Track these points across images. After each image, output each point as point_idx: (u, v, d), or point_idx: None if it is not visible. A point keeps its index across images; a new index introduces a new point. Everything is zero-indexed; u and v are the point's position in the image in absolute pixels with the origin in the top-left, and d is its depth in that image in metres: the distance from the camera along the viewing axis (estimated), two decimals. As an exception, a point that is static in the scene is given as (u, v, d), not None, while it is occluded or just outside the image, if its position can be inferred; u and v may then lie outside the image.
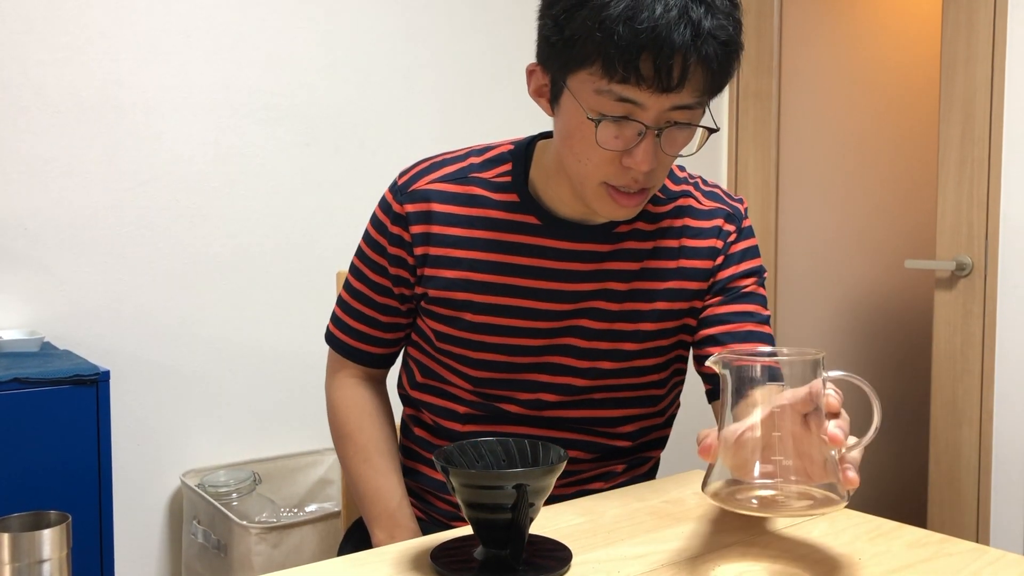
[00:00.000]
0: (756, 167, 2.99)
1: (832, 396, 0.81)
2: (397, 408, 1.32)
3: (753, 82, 2.99)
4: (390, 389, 1.33)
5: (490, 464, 0.90)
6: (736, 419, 0.81)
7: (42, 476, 1.57)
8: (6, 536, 0.64)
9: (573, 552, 0.89)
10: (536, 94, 1.10)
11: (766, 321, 1.19)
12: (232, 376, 2.20)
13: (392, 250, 1.19)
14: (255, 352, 2.24)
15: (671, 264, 1.17)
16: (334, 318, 1.27)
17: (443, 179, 1.18)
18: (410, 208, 1.17)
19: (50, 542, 0.65)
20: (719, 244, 1.19)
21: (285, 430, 2.27)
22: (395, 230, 1.18)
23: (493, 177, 1.17)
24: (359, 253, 1.24)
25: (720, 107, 3.09)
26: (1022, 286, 2.28)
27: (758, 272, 1.21)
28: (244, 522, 1.88)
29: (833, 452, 0.79)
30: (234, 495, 2.05)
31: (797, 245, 3.01)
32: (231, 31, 2.17)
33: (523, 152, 1.18)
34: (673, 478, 1.17)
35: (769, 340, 1.18)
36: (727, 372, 0.80)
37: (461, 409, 1.21)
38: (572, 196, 1.13)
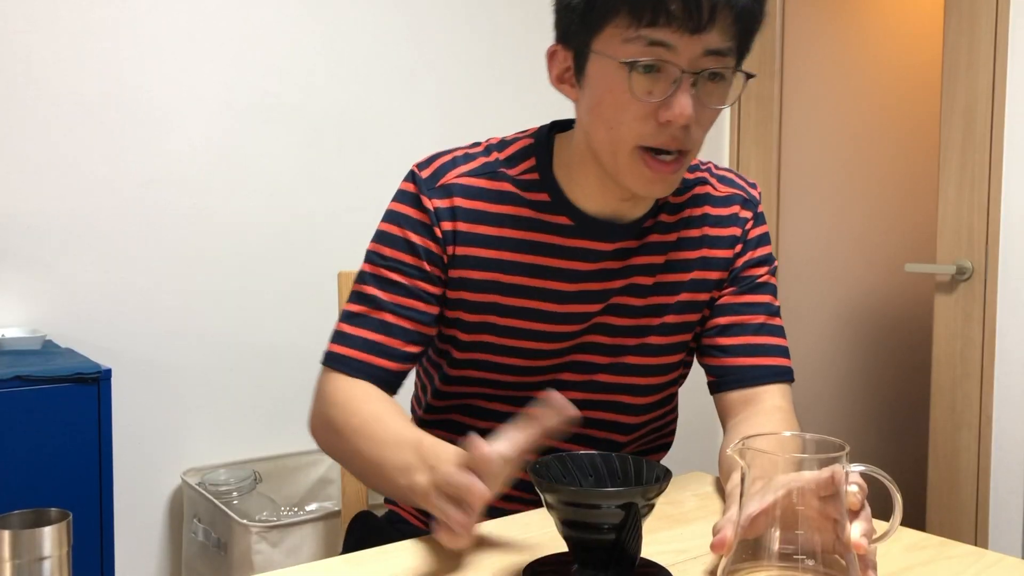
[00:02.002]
0: (757, 170, 2.99)
1: (854, 493, 0.77)
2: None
3: (755, 85, 2.99)
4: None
5: (577, 479, 0.84)
6: (752, 499, 0.76)
7: (43, 473, 1.58)
8: (6, 533, 0.64)
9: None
10: (558, 80, 1.07)
11: (777, 312, 1.18)
12: (233, 375, 2.21)
13: (429, 246, 1.10)
14: (257, 351, 2.24)
15: (694, 254, 1.15)
16: (339, 337, 1.11)
17: (471, 174, 1.11)
18: (439, 204, 1.10)
19: (50, 539, 0.65)
20: (738, 232, 1.16)
21: (286, 429, 2.27)
22: (428, 224, 1.10)
23: (520, 174, 1.12)
24: (377, 259, 1.11)
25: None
26: (1022, 290, 2.28)
27: (770, 261, 1.19)
28: (244, 521, 1.88)
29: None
30: (234, 494, 2.05)
31: (798, 248, 3.01)
32: (234, 32, 2.17)
33: (545, 145, 1.13)
34: (674, 479, 1.17)
35: (779, 333, 1.17)
36: (745, 463, 0.76)
37: (482, 423, 1.15)
38: (599, 187, 1.08)
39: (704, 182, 1.18)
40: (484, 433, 1.09)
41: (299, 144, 2.28)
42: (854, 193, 3.07)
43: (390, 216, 1.13)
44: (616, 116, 0.99)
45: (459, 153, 1.14)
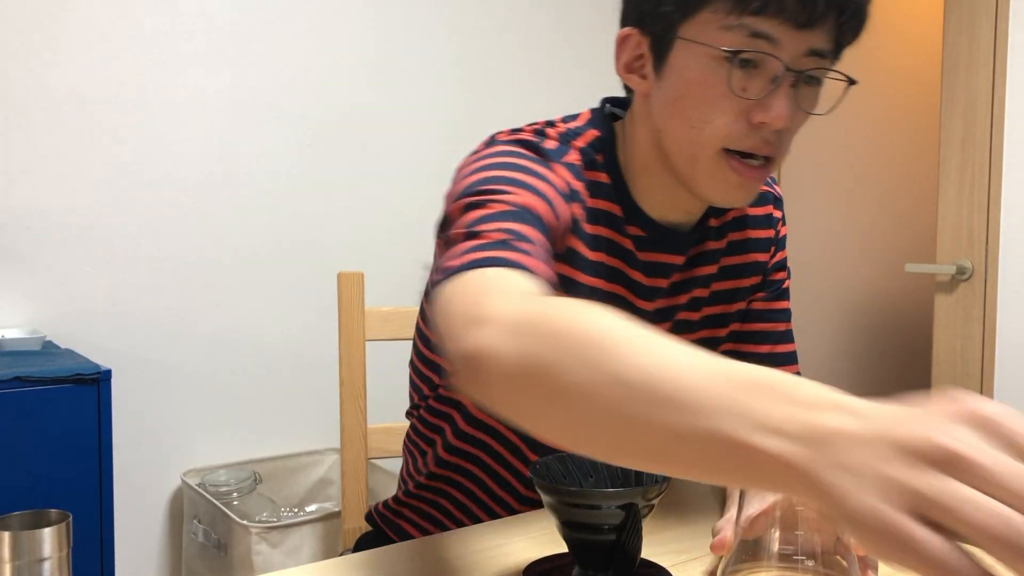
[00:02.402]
0: (757, 170, 2.99)
1: None
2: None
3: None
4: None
5: (577, 480, 0.82)
6: (752, 500, 0.74)
7: (43, 474, 1.58)
8: (6, 534, 0.64)
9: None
10: (626, 69, 0.95)
11: (791, 319, 1.15)
12: (233, 376, 2.21)
13: (561, 208, 0.90)
14: (256, 352, 2.24)
15: (745, 259, 1.08)
16: (472, 248, 0.76)
17: (579, 155, 0.97)
18: (568, 178, 0.94)
19: (50, 541, 0.65)
20: (772, 234, 1.11)
21: (286, 430, 2.27)
22: (564, 191, 0.92)
23: (593, 179, 0.98)
24: (490, 181, 0.85)
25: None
26: (1022, 290, 2.28)
27: (786, 263, 1.15)
28: (244, 521, 1.88)
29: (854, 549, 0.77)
30: (234, 494, 2.05)
31: (798, 248, 3.01)
32: (234, 32, 2.17)
33: (611, 141, 0.99)
34: (673, 480, 1.17)
35: (793, 339, 1.15)
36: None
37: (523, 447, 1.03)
38: (666, 192, 0.97)
39: None
40: (515, 480, 0.97)
41: (299, 145, 2.28)
42: (854, 193, 3.07)
43: (496, 163, 0.88)
44: (703, 113, 0.88)
45: (562, 128, 0.99)
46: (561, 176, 0.92)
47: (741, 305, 1.09)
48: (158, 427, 2.12)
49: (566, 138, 0.97)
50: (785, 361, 1.14)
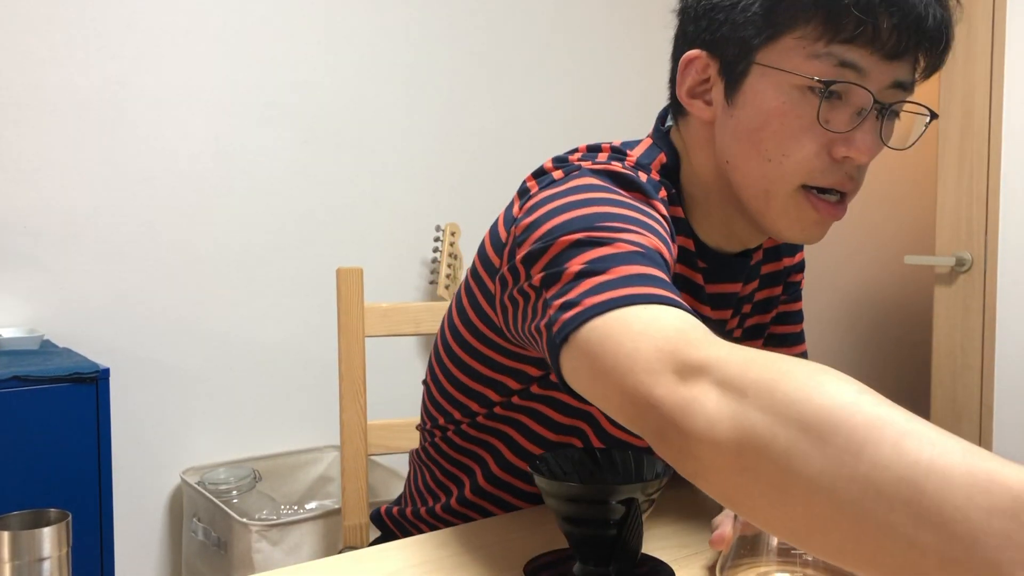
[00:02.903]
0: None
1: None
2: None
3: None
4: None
5: (578, 475, 0.82)
6: None
7: (42, 474, 1.57)
8: (5, 534, 0.64)
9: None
10: (689, 94, 0.89)
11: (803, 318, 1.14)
12: (232, 374, 2.20)
13: (670, 230, 0.84)
14: (255, 349, 2.24)
15: (776, 266, 1.05)
16: (615, 284, 0.66)
17: (664, 189, 0.90)
18: (664, 214, 0.84)
19: (50, 540, 0.65)
20: (801, 258, 1.10)
21: (285, 427, 2.27)
22: (668, 228, 0.83)
23: (675, 208, 0.92)
24: (605, 203, 0.76)
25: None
26: (1021, 282, 2.28)
27: (804, 265, 1.12)
28: (244, 519, 1.88)
29: None
30: (234, 492, 2.05)
31: (797, 241, 3.00)
32: (231, 30, 2.17)
33: (676, 171, 0.93)
34: (674, 475, 1.16)
35: (803, 340, 1.14)
36: None
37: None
38: (724, 223, 0.92)
39: None
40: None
41: (298, 143, 2.27)
42: (852, 186, 3.07)
43: (599, 199, 0.77)
44: (783, 146, 0.82)
45: (637, 153, 0.92)
46: (662, 214, 0.83)
47: (774, 313, 1.06)
48: (157, 425, 2.12)
49: (642, 168, 0.90)
50: None
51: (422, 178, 2.45)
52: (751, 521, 0.51)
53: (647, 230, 0.74)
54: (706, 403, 0.51)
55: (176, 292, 2.12)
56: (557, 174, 0.86)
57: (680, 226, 0.91)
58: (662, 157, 0.92)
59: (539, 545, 0.91)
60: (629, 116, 2.84)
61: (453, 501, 1.05)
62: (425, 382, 1.07)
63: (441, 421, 1.03)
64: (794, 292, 1.10)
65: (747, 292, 1.00)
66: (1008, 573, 0.40)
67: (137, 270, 2.07)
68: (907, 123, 0.95)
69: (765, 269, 1.03)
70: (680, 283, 0.92)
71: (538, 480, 0.77)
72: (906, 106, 0.87)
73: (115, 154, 2.04)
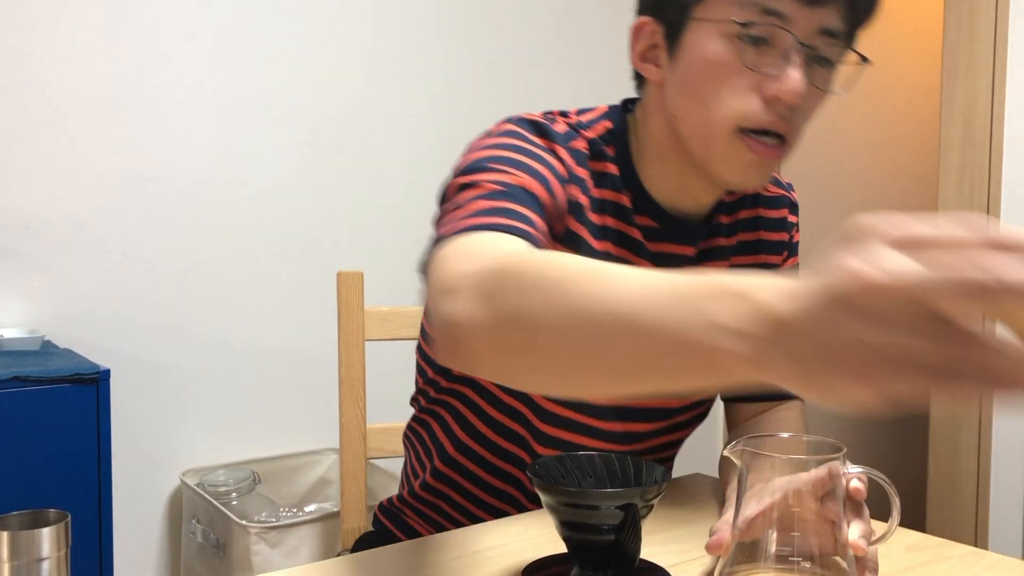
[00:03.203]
0: (757, 170, 2.99)
1: (858, 485, 0.76)
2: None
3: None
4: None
5: (576, 480, 0.82)
6: (750, 501, 0.74)
7: (41, 474, 1.57)
8: (5, 534, 0.64)
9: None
10: (641, 58, 0.96)
11: None
12: (232, 375, 2.21)
13: (558, 191, 0.91)
14: (255, 351, 2.24)
15: (754, 259, 1.08)
16: (463, 217, 0.79)
17: (588, 144, 0.98)
18: (570, 164, 0.94)
19: (49, 540, 0.65)
20: (786, 237, 1.11)
21: (285, 430, 2.27)
22: (563, 176, 0.92)
23: (600, 170, 0.99)
24: (489, 160, 0.88)
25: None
26: (1022, 290, 2.28)
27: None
28: (243, 522, 1.88)
29: (850, 549, 0.77)
30: (233, 494, 2.05)
31: (799, 248, 3.00)
32: (233, 31, 2.17)
33: (623, 134, 0.99)
34: (674, 481, 1.17)
35: None
36: (743, 464, 0.75)
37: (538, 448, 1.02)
38: (679, 181, 0.98)
39: None
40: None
41: (298, 144, 2.28)
42: (854, 192, 3.07)
43: (500, 144, 0.91)
44: (716, 91, 0.88)
45: (574, 119, 1.00)
46: (564, 160, 0.93)
47: None
48: (157, 427, 2.12)
49: (577, 127, 0.98)
50: None
51: (423, 182, 2.45)
52: (519, 387, 0.64)
53: (522, 170, 0.86)
54: (464, 311, 0.62)
55: (177, 294, 2.13)
56: (492, 126, 0.99)
57: (611, 181, 0.97)
58: (607, 123, 0.99)
59: (538, 550, 0.91)
60: (631, 122, 2.84)
61: (428, 476, 1.09)
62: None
63: (420, 383, 1.11)
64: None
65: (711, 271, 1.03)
66: (704, 342, 0.47)
67: (138, 272, 2.08)
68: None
69: (739, 259, 1.06)
70: (614, 237, 0.98)
71: (537, 485, 0.77)
72: (845, 58, 0.92)
73: (117, 155, 2.04)
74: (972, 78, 2.33)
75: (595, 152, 0.98)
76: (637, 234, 0.98)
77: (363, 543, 1.20)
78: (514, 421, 1.02)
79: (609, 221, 0.98)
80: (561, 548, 0.84)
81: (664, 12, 0.92)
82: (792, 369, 0.44)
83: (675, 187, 0.98)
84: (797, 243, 1.14)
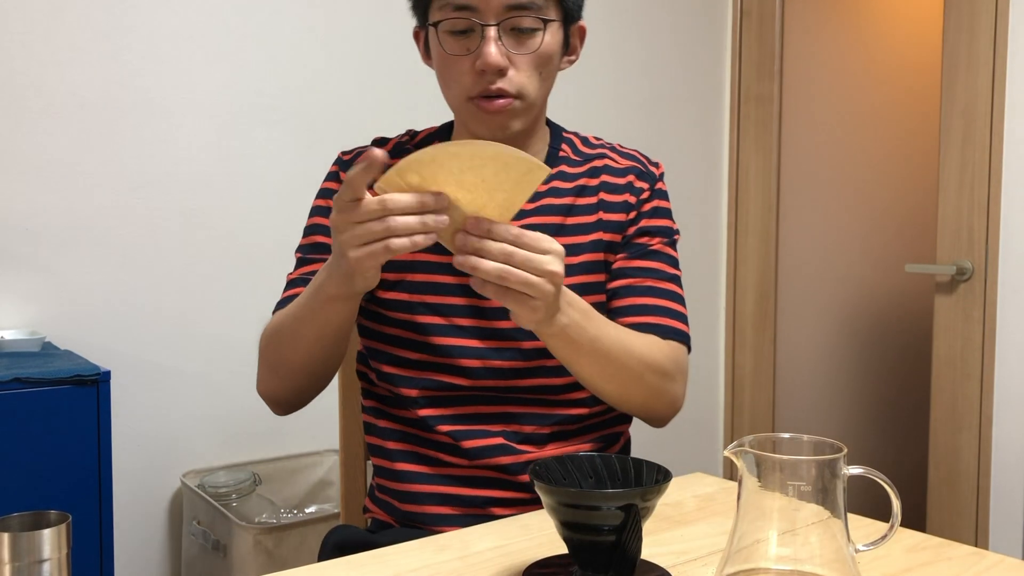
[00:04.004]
0: (757, 171, 2.99)
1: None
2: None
3: (755, 86, 2.99)
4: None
5: (577, 481, 0.83)
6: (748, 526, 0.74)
7: (42, 476, 1.57)
8: (6, 536, 0.64)
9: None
10: (424, 60, 1.22)
11: (671, 279, 1.21)
12: (232, 377, 2.20)
13: None
14: (256, 353, 2.24)
15: (591, 218, 1.21)
16: (282, 300, 1.32)
17: (412, 137, 1.30)
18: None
19: (50, 542, 0.65)
20: (632, 199, 1.22)
21: (285, 431, 2.27)
22: None
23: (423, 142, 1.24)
24: (314, 229, 1.28)
25: (721, 111, 3.09)
26: (1022, 291, 2.28)
27: (667, 232, 1.23)
28: (244, 523, 1.88)
29: (851, 550, 0.76)
30: (234, 496, 2.05)
31: (798, 249, 3.00)
32: (234, 33, 2.17)
33: (448, 126, 1.28)
34: (673, 481, 1.17)
35: (674, 298, 1.19)
36: (742, 464, 0.75)
37: (413, 392, 1.20)
38: (468, 137, 1.18)
39: (604, 156, 1.26)
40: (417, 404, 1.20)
41: (298, 145, 2.28)
42: (854, 194, 3.07)
43: (318, 196, 1.29)
44: (447, 75, 1.15)
45: (378, 138, 1.31)
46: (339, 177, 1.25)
47: (587, 257, 1.19)
48: (157, 428, 2.12)
49: (411, 135, 1.33)
50: (651, 312, 1.18)
51: (424, 183, 2.45)
52: (287, 387, 1.33)
53: (320, 251, 1.29)
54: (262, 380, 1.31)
55: (178, 295, 2.13)
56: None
57: (425, 142, 1.26)
58: (435, 127, 1.33)
59: (538, 551, 0.91)
60: (631, 116, 2.84)
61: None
62: None
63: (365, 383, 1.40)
64: (637, 250, 1.21)
65: (538, 222, 1.18)
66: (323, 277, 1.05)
67: (139, 272, 2.08)
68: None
69: (572, 219, 1.20)
70: None
71: (537, 486, 0.78)
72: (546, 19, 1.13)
73: (117, 156, 2.04)
74: (972, 78, 2.33)
75: (422, 139, 1.29)
76: None
77: (333, 536, 1.30)
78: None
79: None
80: (562, 549, 0.84)
81: (420, 21, 1.19)
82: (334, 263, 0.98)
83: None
84: (657, 208, 1.24)
